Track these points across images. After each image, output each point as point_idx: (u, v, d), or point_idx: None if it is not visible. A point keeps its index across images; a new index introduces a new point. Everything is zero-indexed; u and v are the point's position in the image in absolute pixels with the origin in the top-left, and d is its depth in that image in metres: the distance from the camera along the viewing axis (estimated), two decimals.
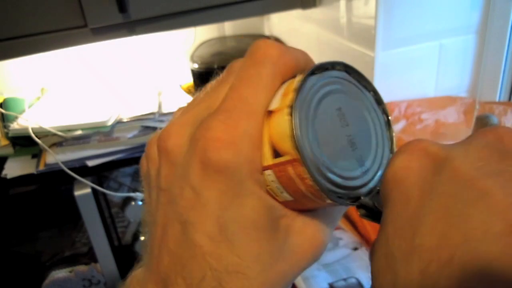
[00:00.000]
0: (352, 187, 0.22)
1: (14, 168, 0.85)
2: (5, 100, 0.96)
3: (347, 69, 0.23)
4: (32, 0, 0.76)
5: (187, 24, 0.89)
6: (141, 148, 0.86)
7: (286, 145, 0.20)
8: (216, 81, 0.24)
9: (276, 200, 0.22)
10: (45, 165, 0.82)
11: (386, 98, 0.24)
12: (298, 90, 0.21)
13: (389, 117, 0.24)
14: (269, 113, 0.21)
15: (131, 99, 0.96)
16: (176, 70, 1.22)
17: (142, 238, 0.94)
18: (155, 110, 0.89)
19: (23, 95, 1.00)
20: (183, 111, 0.24)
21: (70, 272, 0.92)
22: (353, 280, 0.69)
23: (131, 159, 0.88)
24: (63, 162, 0.82)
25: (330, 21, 0.93)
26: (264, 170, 0.21)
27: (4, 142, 0.87)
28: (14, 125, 0.86)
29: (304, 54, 0.24)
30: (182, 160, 0.21)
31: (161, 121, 0.89)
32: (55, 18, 0.79)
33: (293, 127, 0.20)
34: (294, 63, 0.23)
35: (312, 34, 1.03)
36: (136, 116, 0.88)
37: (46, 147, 0.83)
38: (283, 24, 1.22)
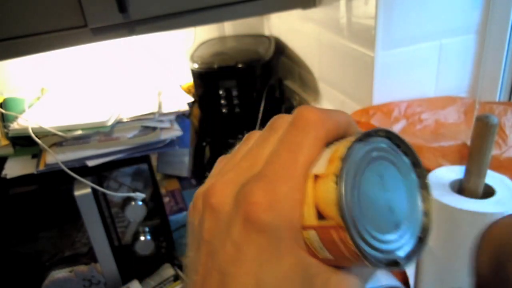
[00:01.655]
0: (389, 250, 0.22)
1: (14, 168, 0.85)
2: (5, 100, 0.96)
3: (389, 135, 0.24)
4: (32, 0, 0.76)
5: (187, 24, 0.89)
6: (141, 148, 0.86)
7: (331, 212, 0.21)
8: (259, 137, 0.26)
9: (316, 256, 0.23)
10: (45, 165, 0.82)
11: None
12: (345, 158, 0.21)
13: (426, 180, 0.25)
14: (315, 177, 0.22)
15: (131, 99, 0.96)
16: (176, 70, 1.22)
17: (142, 238, 0.94)
18: (155, 110, 0.89)
19: (23, 95, 1.00)
20: (226, 165, 0.26)
21: (70, 272, 0.92)
22: None
23: (131, 159, 0.88)
24: (63, 162, 0.82)
25: (330, 21, 0.93)
26: (307, 229, 0.22)
27: (4, 142, 0.87)
28: (14, 125, 0.86)
29: (345, 117, 0.25)
30: (225, 217, 0.23)
31: (161, 121, 0.89)
32: (55, 18, 0.79)
33: (339, 196, 0.21)
34: (336, 127, 0.24)
35: (312, 34, 1.03)
36: (136, 116, 0.88)
37: (46, 147, 0.83)
38: (283, 24, 1.22)
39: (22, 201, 0.94)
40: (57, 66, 1.13)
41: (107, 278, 0.93)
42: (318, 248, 0.22)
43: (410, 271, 0.67)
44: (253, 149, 0.26)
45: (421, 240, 0.24)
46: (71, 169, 0.82)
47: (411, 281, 0.67)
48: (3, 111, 0.91)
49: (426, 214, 0.24)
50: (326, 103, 1.06)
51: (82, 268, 0.92)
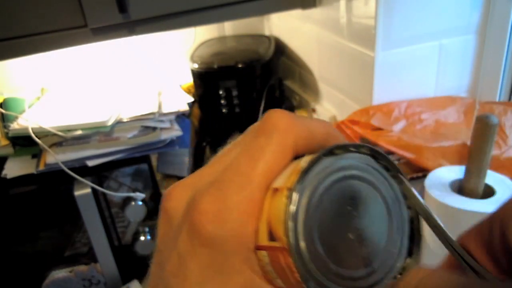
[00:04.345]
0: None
1: (14, 168, 0.85)
2: (5, 100, 0.96)
3: (374, 153, 0.20)
4: (32, 0, 0.76)
5: (187, 24, 0.89)
6: (141, 148, 0.86)
7: (279, 230, 0.18)
8: (232, 144, 0.23)
9: (273, 284, 0.20)
10: (45, 165, 0.82)
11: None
12: (304, 172, 0.19)
13: (418, 215, 0.21)
14: (274, 190, 0.20)
15: (131, 99, 0.96)
16: (176, 70, 1.22)
17: (142, 238, 0.94)
18: (155, 110, 0.89)
19: (23, 95, 1.00)
20: (201, 169, 0.23)
21: (70, 272, 0.92)
22: None
23: (131, 159, 0.88)
24: (63, 162, 0.82)
25: (330, 21, 0.93)
26: (260, 249, 0.20)
27: (4, 142, 0.87)
28: (14, 125, 0.86)
29: (323, 126, 0.22)
30: (176, 224, 0.21)
31: (161, 121, 0.89)
32: (55, 18, 0.79)
33: (287, 213, 0.18)
34: (309, 135, 0.21)
35: (312, 34, 1.03)
36: (136, 116, 0.88)
37: (46, 147, 0.83)
38: (283, 24, 1.22)
39: (22, 201, 0.94)
40: (57, 66, 1.13)
41: (107, 278, 0.93)
42: (271, 273, 0.19)
43: None
44: (222, 153, 0.23)
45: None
46: (71, 169, 0.82)
47: None
48: (3, 111, 0.91)
49: (412, 253, 0.20)
50: (326, 103, 1.06)
51: (82, 268, 0.92)
